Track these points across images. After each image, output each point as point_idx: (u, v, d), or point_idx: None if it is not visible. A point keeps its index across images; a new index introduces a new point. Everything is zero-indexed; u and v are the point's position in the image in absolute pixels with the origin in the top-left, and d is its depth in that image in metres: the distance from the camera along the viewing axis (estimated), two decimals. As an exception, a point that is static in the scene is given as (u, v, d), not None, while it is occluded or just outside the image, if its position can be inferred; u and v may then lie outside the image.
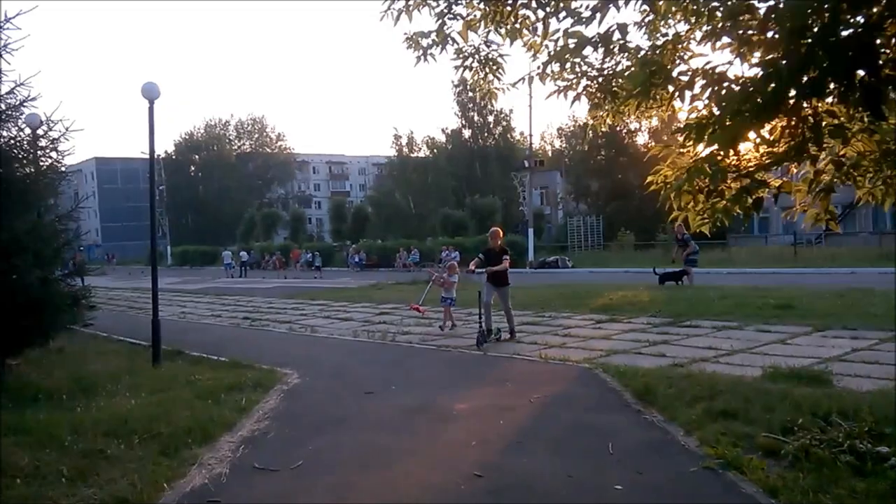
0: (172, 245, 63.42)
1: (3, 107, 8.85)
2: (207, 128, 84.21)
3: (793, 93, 3.24)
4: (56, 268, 9.37)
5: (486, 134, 63.39)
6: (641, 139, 55.11)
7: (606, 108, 5.80)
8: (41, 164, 9.20)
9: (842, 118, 4.05)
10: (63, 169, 9.56)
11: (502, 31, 4.94)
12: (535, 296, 17.84)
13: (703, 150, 4.27)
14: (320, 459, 5.40)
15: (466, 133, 63.65)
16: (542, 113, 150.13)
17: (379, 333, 12.38)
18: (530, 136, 45.24)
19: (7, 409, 6.83)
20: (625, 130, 56.67)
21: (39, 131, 9.07)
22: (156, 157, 10.91)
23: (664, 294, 16.48)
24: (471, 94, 62.92)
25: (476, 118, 63.25)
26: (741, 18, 3.82)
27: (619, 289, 17.88)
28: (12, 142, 9.00)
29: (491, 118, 63.31)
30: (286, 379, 8.60)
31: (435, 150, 65.02)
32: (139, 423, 6.18)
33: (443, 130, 65.48)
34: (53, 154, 9.25)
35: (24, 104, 8.98)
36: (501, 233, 11.52)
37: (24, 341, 8.71)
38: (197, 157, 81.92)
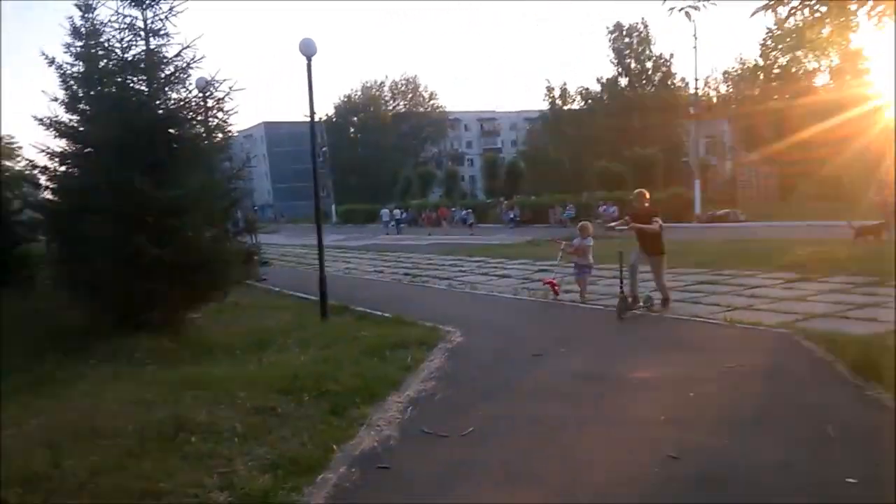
0: (337, 204, 66.51)
1: (173, 69, 9.16)
2: (364, 89, 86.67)
3: None
4: (227, 225, 9.70)
5: (644, 81, 59.82)
6: (820, 80, 49.60)
7: (829, 21, 4.78)
8: (209, 123, 9.48)
9: None
10: (230, 128, 9.83)
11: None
12: (709, 252, 16.47)
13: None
14: (491, 427, 5.02)
15: (623, 81, 60.38)
16: (706, 56, 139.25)
17: (541, 291, 11.86)
18: (696, 79, 41.81)
19: (186, 362, 7.12)
20: (801, 71, 51.37)
21: (205, 91, 9.31)
22: (317, 119, 11.00)
23: (863, 249, 14.51)
24: (627, 39, 59.71)
25: (633, 65, 59.77)
26: None
27: (805, 244, 16.01)
28: (182, 103, 9.31)
29: (650, 64, 59.61)
30: (450, 337, 8.36)
31: (590, 101, 62.39)
32: (308, 379, 6.14)
33: (598, 80, 62.61)
34: (220, 114, 9.49)
35: (191, 66, 9.25)
36: (647, 194, 9.87)
37: (201, 296, 9.13)
38: (355, 118, 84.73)
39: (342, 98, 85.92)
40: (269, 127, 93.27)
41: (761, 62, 55.23)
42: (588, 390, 5.81)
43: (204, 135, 9.87)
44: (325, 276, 10.52)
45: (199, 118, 9.75)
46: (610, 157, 47.80)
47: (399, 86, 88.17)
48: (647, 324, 8.69)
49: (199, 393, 5.79)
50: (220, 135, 10.19)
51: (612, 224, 10.04)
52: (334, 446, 4.68)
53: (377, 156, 78.16)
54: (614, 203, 34.06)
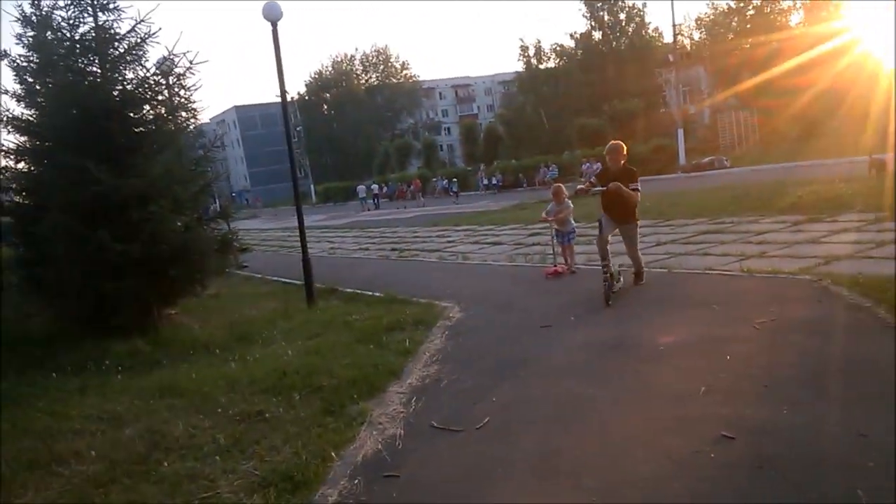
0: (315, 183, 65.41)
1: (126, 46, 8.33)
2: (335, 65, 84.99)
3: None
4: (197, 212, 8.95)
5: (618, 33, 58.87)
6: (794, 19, 49.01)
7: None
8: (172, 101, 8.67)
9: None
10: (194, 105, 8.99)
11: None
12: (703, 201, 15.98)
13: None
14: (509, 415, 4.42)
15: (597, 35, 59.39)
16: (679, 4, 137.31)
17: (537, 256, 11.27)
18: (674, 25, 40.83)
19: (162, 365, 6.44)
20: (776, 10, 50.80)
21: (164, 67, 8.49)
22: (289, 98, 10.24)
23: (870, 185, 13.96)
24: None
25: (606, 18, 58.79)
26: None
27: (803, 184, 15.50)
28: (139, 83, 8.50)
29: (623, 15, 58.63)
30: (448, 313, 7.75)
31: (565, 58, 61.31)
32: (298, 375, 5.52)
33: (571, 35, 61.59)
34: (182, 91, 8.67)
35: (146, 41, 8.42)
36: (625, 148, 7.64)
37: (176, 290, 8.43)
38: (328, 95, 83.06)
39: (313, 75, 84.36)
40: (241, 110, 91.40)
41: (733, 5, 54.42)
42: (612, 362, 5.20)
43: (167, 116, 9.05)
44: (309, 259, 9.84)
45: (160, 98, 8.93)
46: (589, 114, 47.07)
47: (370, 58, 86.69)
48: (656, 283, 8.07)
49: (175, 402, 5.14)
50: (184, 114, 9.36)
51: (582, 188, 7.80)
52: (332, 453, 4.07)
53: (353, 131, 76.83)
54: (598, 160, 33.42)
